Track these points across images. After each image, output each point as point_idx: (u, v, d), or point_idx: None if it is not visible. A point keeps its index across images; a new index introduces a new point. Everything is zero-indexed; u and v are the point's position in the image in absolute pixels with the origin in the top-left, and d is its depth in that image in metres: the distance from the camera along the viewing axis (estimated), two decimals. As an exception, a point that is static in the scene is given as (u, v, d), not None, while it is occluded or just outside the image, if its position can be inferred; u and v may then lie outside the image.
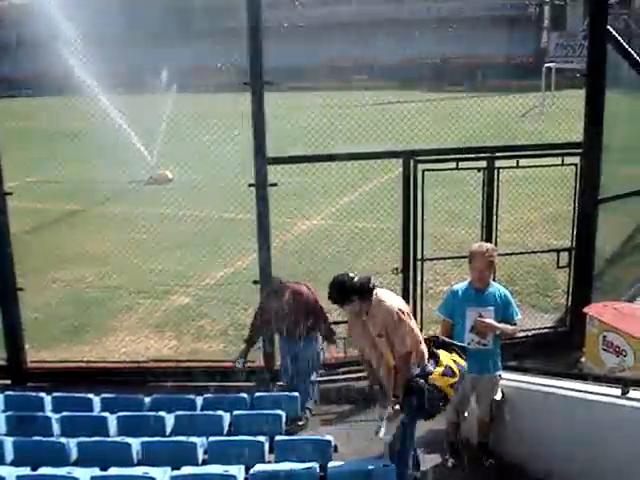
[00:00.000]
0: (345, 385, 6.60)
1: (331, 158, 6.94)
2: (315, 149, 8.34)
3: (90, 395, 5.23)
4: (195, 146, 14.52)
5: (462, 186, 9.71)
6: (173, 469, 4.06)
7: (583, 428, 4.59)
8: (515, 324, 5.06)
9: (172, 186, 15.81)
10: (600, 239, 6.99)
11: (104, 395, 5.27)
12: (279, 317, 5.74)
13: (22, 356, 6.80)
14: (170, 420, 4.81)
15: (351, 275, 4.39)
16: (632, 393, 4.44)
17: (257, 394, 5.28)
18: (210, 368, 6.71)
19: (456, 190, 10.91)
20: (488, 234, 6.92)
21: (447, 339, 4.70)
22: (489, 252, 4.94)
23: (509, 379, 5.18)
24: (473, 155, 7.02)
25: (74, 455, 4.36)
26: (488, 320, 4.87)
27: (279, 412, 4.86)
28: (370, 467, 4.05)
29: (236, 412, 4.89)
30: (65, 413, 4.82)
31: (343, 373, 6.67)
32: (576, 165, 6.87)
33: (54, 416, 4.80)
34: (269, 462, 4.34)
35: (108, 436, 4.66)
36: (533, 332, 7.37)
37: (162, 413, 4.83)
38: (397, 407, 4.40)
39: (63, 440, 4.39)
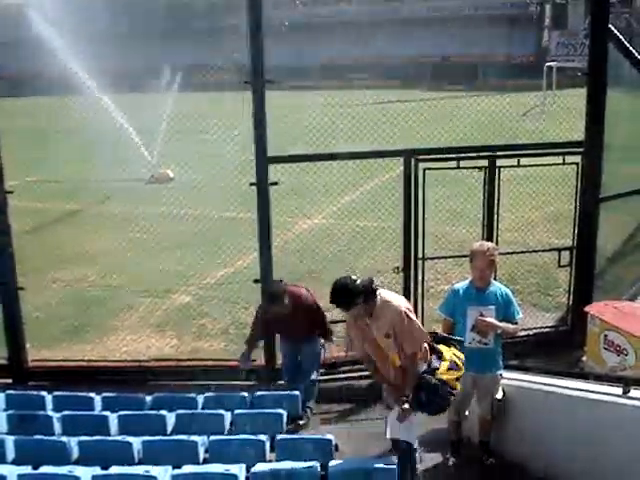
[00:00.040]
0: (346, 384, 6.60)
1: (332, 157, 6.93)
2: (316, 148, 8.34)
3: (91, 394, 5.24)
4: (196, 145, 14.52)
5: (463, 185, 9.71)
6: (174, 468, 4.05)
7: (584, 427, 4.59)
8: (516, 323, 5.04)
9: (173, 185, 15.82)
10: (601, 238, 6.99)
11: (105, 394, 5.27)
12: (279, 319, 5.75)
13: (23, 355, 6.79)
14: (171, 419, 4.82)
15: (353, 278, 4.26)
16: (633, 392, 4.43)
17: (258, 393, 5.27)
18: (211, 367, 6.71)
19: (457, 189, 10.89)
20: (489, 233, 6.91)
21: (445, 334, 4.71)
22: (490, 251, 4.93)
23: (510, 378, 5.17)
24: (474, 154, 7.00)
25: (75, 454, 4.37)
26: (489, 319, 4.86)
27: (280, 411, 4.87)
28: (371, 466, 4.04)
29: (237, 411, 4.89)
30: (66, 412, 4.82)
31: (344, 372, 6.66)
32: (577, 164, 6.86)
33: (55, 415, 4.80)
34: (270, 461, 4.34)
35: (109, 435, 4.67)
36: (534, 331, 7.36)
37: (163, 412, 4.83)
38: (406, 406, 4.39)
39: (64, 439, 4.39)
